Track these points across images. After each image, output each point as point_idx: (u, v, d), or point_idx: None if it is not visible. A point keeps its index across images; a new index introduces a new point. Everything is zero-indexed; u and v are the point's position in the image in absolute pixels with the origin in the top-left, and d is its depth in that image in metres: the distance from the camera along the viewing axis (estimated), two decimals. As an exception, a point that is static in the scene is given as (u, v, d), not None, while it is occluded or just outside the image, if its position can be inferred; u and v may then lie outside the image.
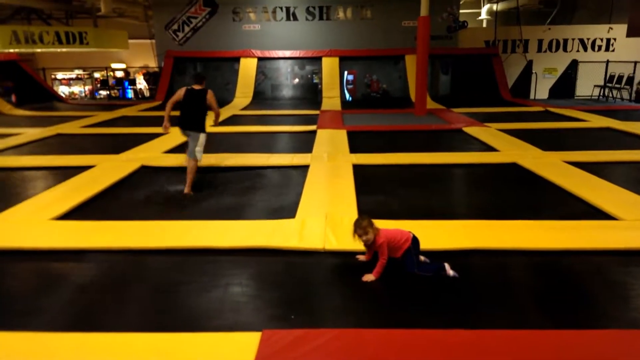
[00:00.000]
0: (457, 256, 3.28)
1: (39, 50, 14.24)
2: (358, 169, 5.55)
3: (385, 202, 4.54)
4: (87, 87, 17.08)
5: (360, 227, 3.00)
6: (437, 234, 3.54)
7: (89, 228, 3.78)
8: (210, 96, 5.33)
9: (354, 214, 3.95)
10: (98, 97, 16.54)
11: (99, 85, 16.92)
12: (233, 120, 10.28)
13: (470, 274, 3.06)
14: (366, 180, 5.16)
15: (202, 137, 5.11)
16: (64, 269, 3.22)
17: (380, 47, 14.51)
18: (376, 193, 4.80)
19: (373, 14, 14.74)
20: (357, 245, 3.37)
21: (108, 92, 16.52)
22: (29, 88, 13.17)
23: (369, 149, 6.70)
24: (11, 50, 13.22)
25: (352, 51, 14.56)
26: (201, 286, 2.91)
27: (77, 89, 17.25)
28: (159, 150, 6.75)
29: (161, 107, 12.64)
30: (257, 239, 3.51)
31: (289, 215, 4.05)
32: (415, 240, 3.09)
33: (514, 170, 5.63)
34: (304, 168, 5.70)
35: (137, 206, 4.56)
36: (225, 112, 11.32)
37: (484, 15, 18.54)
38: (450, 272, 2.98)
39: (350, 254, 3.31)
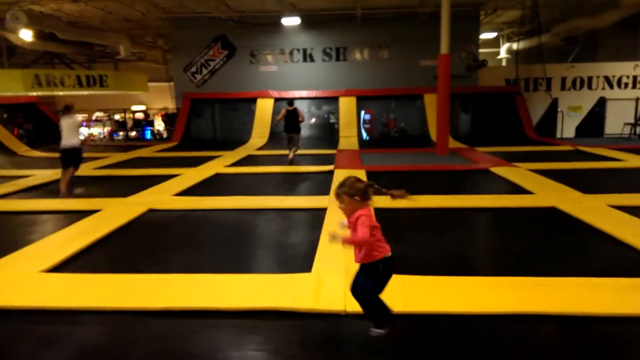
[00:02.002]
0: (489, 321, 2.77)
1: (60, 93, 14.47)
2: (379, 213, 5.07)
3: (408, 253, 4.05)
4: (107, 129, 17.24)
5: (343, 187, 2.30)
6: (466, 293, 3.04)
7: (79, 282, 3.38)
8: (299, 111, 9.29)
9: (377, 268, 3.48)
10: (117, 138, 16.63)
11: (117, 127, 17.08)
12: (249, 160, 10.03)
13: (507, 347, 2.53)
14: (389, 226, 4.64)
15: (299, 135, 9.47)
16: (52, 334, 2.78)
17: (398, 86, 14.34)
18: (399, 241, 4.32)
19: (390, 54, 14.68)
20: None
21: (126, 134, 16.61)
22: (48, 130, 13.26)
23: (391, 191, 6.25)
24: (33, 94, 13.44)
25: (369, 91, 14.42)
26: (198, 360, 2.45)
27: (96, 130, 17.42)
28: (168, 193, 6.43)
29: (177, 148, 12.54)
30: (266, 297, 3.04)
31: (304, 268, 3.59)
32: (390, 264, 2.42)
33: (553, 216, 5.09)
34: (321, 212, 5.27)
35: (138, 255, 4.17)
36: (241, 152, 11.12)
37: (503, 54, 18.39)
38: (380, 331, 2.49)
39: (376, 319, 2.81)
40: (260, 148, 12.29)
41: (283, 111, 9.22)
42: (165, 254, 4.17)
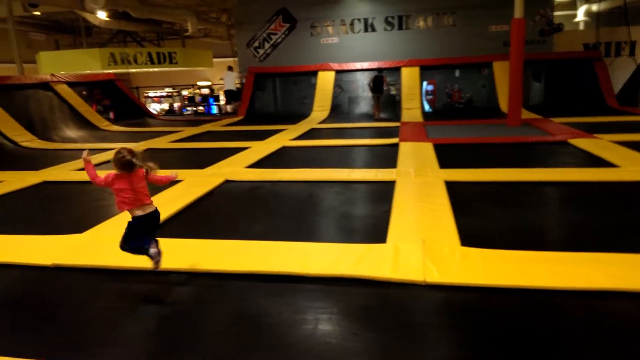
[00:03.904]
0: (572, 296, 2.70)
1: (133, 70, 15.30)
2: (452, 187, 5.03)
3: (488, 227, 3.98)
4: (176, 104, 18.04)
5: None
6: (548, 268, 2.97)
7: (171, 246, 3.65)
8: (385, 78, 12.10)
9: (454, 241, 3.48)
10: (186, 113, 17.37)
11: (186, 102, 17.80)
12: (311, 134, 10.15)
13: (594, 322, 2.47)
14: (462, 200, 4.63)
15: (383, 95, 12.27)
16: (144, 292, 3.08)
17: (463, 54, 13.75)
18: (476, 215, 4.27)
19: (455, 20, 14.06)
20: (466, 278, 2.91)
21: (195, 109, 17.30)
22: (124, 105, 14.10)
23: (462, 164, 6.13)
24: (109, 71, 14.29)
25: (433, 60, 13.95)
26: (287, 320, 2.61)
27: (166, 105, 18.27)
28: (241, 165, 6.71)
29: (243, 122, 12.91)
30: (344, 265, 3.15)
31: (378, 239, 3.66)
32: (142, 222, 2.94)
33: (641, 190, 4.79)
34: (390, 185, 5.29)
35: (219, 222, 4.44)
36: (304, 126, 11.26)
37: (580, 16, 17.00)
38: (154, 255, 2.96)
39: (458, 290, 2.84)
40: (322, 121, 12.36)
41: (372, 77, 12.14)
42: (244, 222, 4.40)
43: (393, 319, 2.60)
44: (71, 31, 18.24)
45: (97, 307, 2.90)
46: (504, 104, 11.80)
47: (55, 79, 12.24)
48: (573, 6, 17.20)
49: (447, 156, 6.77)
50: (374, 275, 3.02)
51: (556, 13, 14.73)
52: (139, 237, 3.00)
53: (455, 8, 13.88)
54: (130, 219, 3.00)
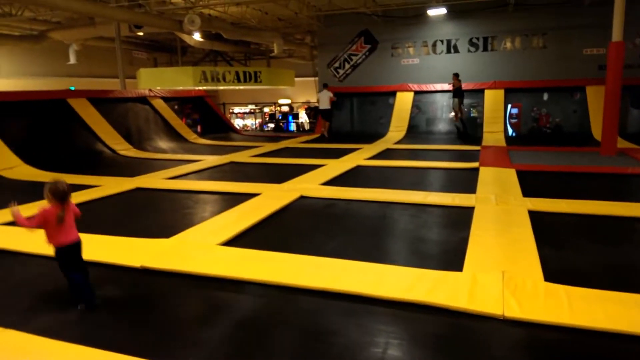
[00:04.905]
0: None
1: (221, 87, 16.31)
2: (536, 217, 4.76)
3: (576, 263, 3.71)
4: (258, 121, 18.91)
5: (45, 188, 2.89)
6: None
7: (249, 257, 3.83)
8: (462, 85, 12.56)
9: (538, 275, 3.29)
10: (266, 129, 18.13)
11: (267, 118, 18.61)
12: (386, 154, 10.12)
13: None
14: (548, 232, 4.36)
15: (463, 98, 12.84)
16: (223, 300, 3.23)
17: (553, 77, 13.05)
18: (562, 249, 4.00)
19: (546, 42, 13.39)
20: (550, 316, 2.74)
21: (276, 125, 18.02)
22: (211, 120, 15.03)
23: (548, 193, 5.78)
24: (200, 88, 15.34)
25: (519, 82, 13.37)
26: (357, 341, 2.61)
27: (249, 122, 19.23)
28: (316, 182, 6.85)
29: (319, 140, 13.19)
30: (418, 291, 3.10)
31: (454, 266, 3.55)
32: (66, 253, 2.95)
33: None
34: (468, 211, 5.12)
35: (294, 237, 4.56)
36: (380, 146, 11.26)
37: (691, 38, 15.44)
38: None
39: (540, 327, 2.68)
40: (398, 142, 12.28)
41: (457, 82, 12.64)
42: (318, 238, 4.48)
43: (467, 351, 2.51)
44: (169, 50, 19.90)
45: (177, 310, 3.09)
46: (597, 131, 10.98)
47: (152, 94, 13.37)
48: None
49: (532, 184, 6.41)
50: (449, 304, 2.93)
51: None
52: (70, 267, 3.01)
53: (547, 29, 13.25)
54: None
